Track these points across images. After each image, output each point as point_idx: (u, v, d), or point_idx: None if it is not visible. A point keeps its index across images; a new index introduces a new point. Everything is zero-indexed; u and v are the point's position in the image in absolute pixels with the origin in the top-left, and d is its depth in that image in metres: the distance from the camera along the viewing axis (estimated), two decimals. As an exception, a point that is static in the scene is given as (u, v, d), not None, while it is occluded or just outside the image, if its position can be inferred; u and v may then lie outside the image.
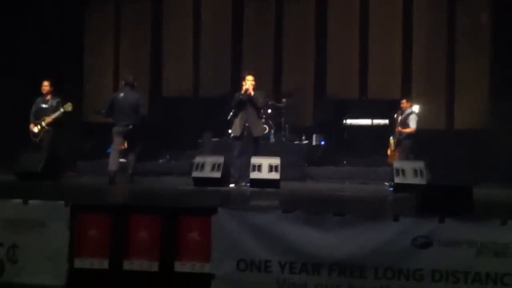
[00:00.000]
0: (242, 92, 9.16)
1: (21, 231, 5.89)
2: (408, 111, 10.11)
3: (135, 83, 9.54)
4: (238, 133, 9.13)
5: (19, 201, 6.00)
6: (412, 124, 9.95)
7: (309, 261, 5.53)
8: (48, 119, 9.72)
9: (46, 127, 9.75)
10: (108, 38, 13.57)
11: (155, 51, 13.41)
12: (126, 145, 9.58)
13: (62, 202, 5.86)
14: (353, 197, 8.15)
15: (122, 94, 9.43)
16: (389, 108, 11.12)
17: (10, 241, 5.88)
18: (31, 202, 5.93)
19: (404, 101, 10.25)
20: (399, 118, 10.10)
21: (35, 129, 9.76)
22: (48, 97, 9.91)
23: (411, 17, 12.57)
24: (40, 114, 9.79)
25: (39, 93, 10.01)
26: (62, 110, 9.72)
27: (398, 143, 10.00)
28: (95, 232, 5.80)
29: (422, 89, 12.25)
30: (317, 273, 5.50)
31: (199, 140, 11.90)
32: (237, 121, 9.20)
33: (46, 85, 9.91)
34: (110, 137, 9.46)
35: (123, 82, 9.66)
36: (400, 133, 10.02)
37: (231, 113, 9.45)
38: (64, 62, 12.60)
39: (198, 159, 9.01)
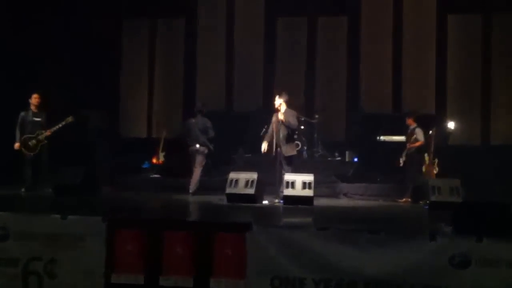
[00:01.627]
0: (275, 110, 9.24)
1: (59, 246, 5.99)
2: (411, 127, 10.24)
3: (204, 109, 10.25)
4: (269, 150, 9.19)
5: (57, 216, 6.10)
6: (420, 137, 10.06)
7: (343, 279, 5.50)
8: (48, 132, 9.72)
9: (44, 140, 9.73)
10: (143, 56, 13.81)
11: (189, 68, 13.55)
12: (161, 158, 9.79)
13: (100, 218, 5.95)
14: (388, 215, 8.07)
15: (193, 120, 10.19)
16: (424, 123, 10.98)
17: (48, 255, 5.99)
18: (69, 217, 6.03)
19: (408, 118, 10.39)
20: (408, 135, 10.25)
21: (30, 143, 9.69)
22: (36, 110, 9.86)
23: (445, 32, 12.47)
24: (33, 128, 9.73)
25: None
26: (64, 122, 9.75)
27: (408, 159, 10.03)
28: (132, 248, 5.87)
29: (457, 104, 12.12)
30: (352, 290, 5.46)
31: (232, 156, 11.94)
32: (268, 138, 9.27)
33: (37, 98, 9.85)
34: (144, 153, 9.62)
35: (195, 109, 10.40)
36: (410, 149, 10.09)
37: (264, 129, 9.50)
38: (101, 80, 12.83)
39: (232, 175, 9.04)
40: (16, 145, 9.75)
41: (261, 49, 13.26)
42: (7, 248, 6.06)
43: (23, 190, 9.66)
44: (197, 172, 10.00)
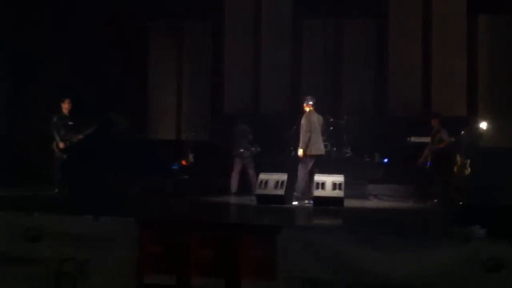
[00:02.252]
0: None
1: (92, 246, 6.05)
2: (436, 127, 10.30)
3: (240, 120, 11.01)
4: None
5: (90, 217, 6.18)
6: (445, 137, 10.10)
7: (374, 283, 5.45)
8: (79, 136, 10.06)
9: (73, 142, 10.03)
10: (171, 57, 13.88)
11: (216, 70, 13.60)
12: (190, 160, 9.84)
13: (132, 219, 6.01)
14: (419, 217, 7.99)
15: (237, 126, 10.86)
16: (455, 125, 10.86)
17: (81, 256, 6.05)
18: (102, 218, 6.10)
19: (432, 119, 10.47)
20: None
21: (63, 146, 9.98)
22: (68, 114, 10.21)
23: (475, 33, 12.30)
24: (67, 131, 10.05)
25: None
26: (93, 128, 10.09)
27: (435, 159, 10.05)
28: (164, 248, 5.92)
29: (489, 106, 11.94)
30: (383, 294, 5.42)
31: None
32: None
33: (68, 103, 10.21)
34: (172, 155, 9.72)
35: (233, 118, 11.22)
36: (434, 149, 10.16)
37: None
38: (128, 82, 12.96)
39: (262, 176, 9.06)
40: (61, 145, 10.01)
41: (288, 51, 13.24)
42: (41, 249, 6.15)
43: (56, 190, 9.86)
44: (252, 174, 10.26)
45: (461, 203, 8.50)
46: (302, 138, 9.32)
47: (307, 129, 9.36)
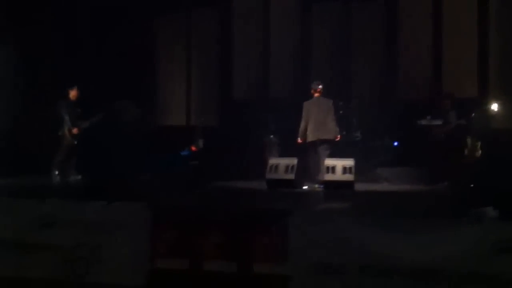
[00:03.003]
0: None
1: (105, 231, 6.11)
2: (446, 109, 10.35)
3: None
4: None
5: (103, 202, 6.22)
6: (452, 119, 10.15)
7: (386, 265, 5.46)
8: (86, 123, 10.14)
9: (85, 126, 10.13)
10: (180, 44, 13.87)
11: (225, 56, 13.58)
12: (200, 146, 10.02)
13: (144, 204, 6.04)
14: (430, 200, 7.97)
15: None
16: (465, 107, 10.79)
17: (94, 241, 6.12)
18: (114, 203, 6.14)
19: (443, 101, 10.54)
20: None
21: (76, 131, 10.07)
22: (75, 100, 10.26)
23: (486, 13, 12.17)
24: (77, 118, 10.11)
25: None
26: (100, 115, 10.22)
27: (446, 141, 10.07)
28: (176, 233, 5.95)
29: (499, 87, 11.84)
30: (396, 277, 5.42)
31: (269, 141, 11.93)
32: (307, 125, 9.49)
33: (76, 90, 10.26)
34: (182, 141, 9.74)
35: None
36: (442, 132, 10.20)
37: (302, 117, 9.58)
38: (137, 69, 12.97)
39: (272, 161, 9.08)
40: (75, 130, 10.08)
41: (297, 36, 13.17)
42: (55, 234, 6.21)
43: (58, 177, 9.99)
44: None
45: (472, 185, 8.51)
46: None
47: (303, 117, 9.59)
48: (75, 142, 10.07)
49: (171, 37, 13.92)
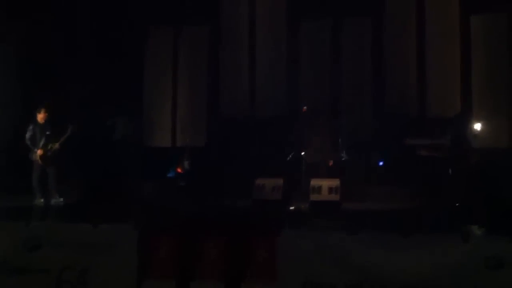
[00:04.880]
0: None
1: (92, 254, 6.05)
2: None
3: None
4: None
5: (88, 225, 6.17)
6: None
7: (376, 283, 5.46)
8: (57, 145, 10.06)
9: (53, 152, 10.06)
10: (167, 63, 13.86)
11: (212, 75, 13.58)
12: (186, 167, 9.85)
13: (131, 226, 6.00)
14: (418, 218, 7.98)
15: None
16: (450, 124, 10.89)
17: (81, 264, 6.05)
18: (100, 226, 6.09)
19: None
20: None
21: (41, 152, 10.00)
22: (44, 122, 10.19)
23: (468, 32, 12.34)
24: (45, 140, 10.06)
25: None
26: (68, 133, 10.10)
27: None
28: (163, 254, 5.92)
29: (484, 105, 11.96)
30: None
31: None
32: None
33: (44, 112, 10.20)
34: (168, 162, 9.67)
35: None
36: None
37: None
38: (123, 87, 12.93)
39: (259, 181, 9.07)
40: (40, 151, 10.02)
41: (284, 53, 13.23)
42: (41, 258, 6.14)
43: (41, 200, 9.92)
44: None
45: (457, 204, 8.55)
46: None
47: None
48: (46, 164, 10.03)
49: (158, 54, 13.88)
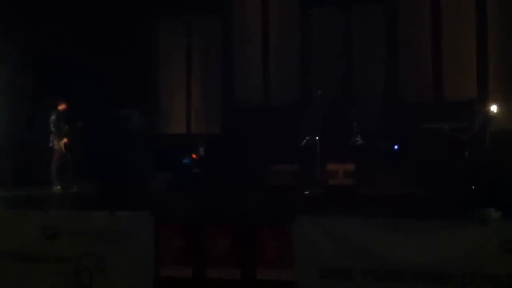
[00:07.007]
0: None
1: (109, 241, 6.10)
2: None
3: None
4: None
5: (105, 212, 6.22)
6: None
7: (392, 268, 5.45)
8: (72, 132, 10.37)
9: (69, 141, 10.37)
10: (180, 53, 13.91)
11: (226, 64, 13.60)
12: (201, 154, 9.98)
13: (148, 213, 6.04)
14: (433, 203, 7.95)
15: None
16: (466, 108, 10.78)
17: (99, 251, 6.10)
18: (118, 213, 6.14)
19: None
20: None
21: (67, 141, 10.32)
22: (64, 113, 10.51)
23: (484, 15, 12.20)
24: (71, 129, 10.38)
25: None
26: (80, 124, 10.39)
27: None
28: (179, 241, 5.96)
29: (499, 89, 11.85)
30: (402, 280, 5.41)
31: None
32: None
33: (65, 104, 10.55)
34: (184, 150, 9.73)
35: None
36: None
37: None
38: (139, 78, 13.00)
39: (274, 168, 9.08)
40: (65, 140, 10.31)
41: (297, 41, 13.20)
42: (59, 246, 6.21)
43: (58, 188, 10.16)
44: None
45: (473, 187, 8.50)
46: None
47: None
48: (68, 154, 10.30)
49: (172, 46, 13.95)
